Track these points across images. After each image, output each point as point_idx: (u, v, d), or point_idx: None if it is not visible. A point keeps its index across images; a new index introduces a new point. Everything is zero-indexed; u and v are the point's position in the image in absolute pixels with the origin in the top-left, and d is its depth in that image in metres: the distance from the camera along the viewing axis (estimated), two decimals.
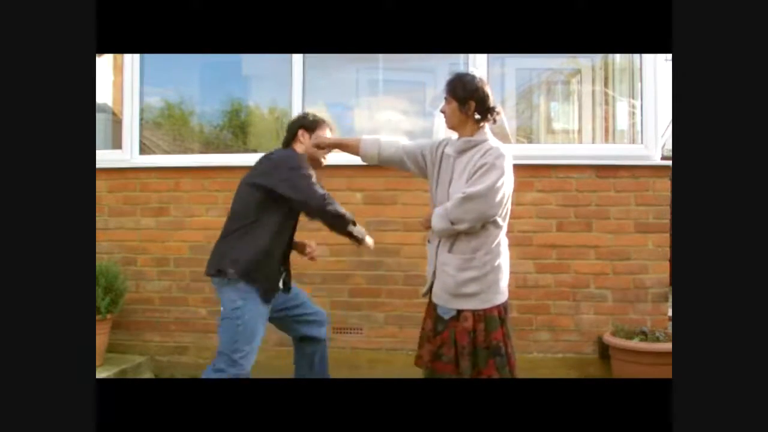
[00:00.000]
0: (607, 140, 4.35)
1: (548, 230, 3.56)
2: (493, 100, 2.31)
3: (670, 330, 3.38)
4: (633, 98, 3.88)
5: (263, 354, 3.66)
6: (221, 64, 4.30)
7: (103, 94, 4.51)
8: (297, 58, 3.72)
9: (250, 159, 3.92)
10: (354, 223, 2.54)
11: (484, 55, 3.62)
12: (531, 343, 3.55)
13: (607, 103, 4.27)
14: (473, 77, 2.33)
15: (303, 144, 2.67)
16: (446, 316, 2.25)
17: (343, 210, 2.50)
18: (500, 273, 2.28)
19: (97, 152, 3.52)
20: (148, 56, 3.97)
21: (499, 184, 2.20)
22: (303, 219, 2.63)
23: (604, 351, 3.42)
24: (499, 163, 2.21)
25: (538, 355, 3.55)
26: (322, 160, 2.70)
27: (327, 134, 2.69)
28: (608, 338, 3.32)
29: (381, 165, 2.55)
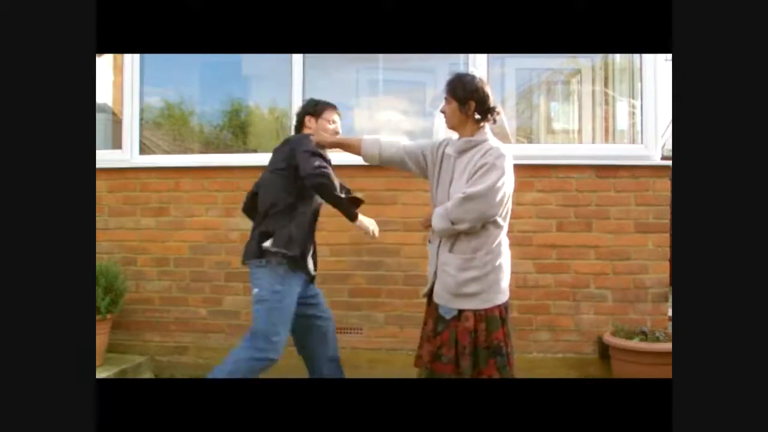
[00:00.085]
0: (607, 140, 4.35)
1: (548, 230, 3.56)
2: (493, 100, 2.32)
3: (670, 330, 3.37)
4: (633, 98, 3.88)
5: None
6: (221, 64, 4.30)
7: (103, 94, 4.51)
8: (297, 58, 3.72)
9: (250, 159, 3.98)
10: (350, 200, 2.60)
11: (484, 55, 3.61)
12: (531, 343, 3.55)
13: (607, 103, 4.27)
14: (473, 77, 2.33)
15: (311, 130, 2.74)
16: (448, 316, 2.26)
17: (335, 182, 2.54)
18: (501, 273, 2.28)
19: (97, 152, 3.52)
20: (148, 56, 3.97)
21: (499, 184, 2.20)
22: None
23: (604, 351, 3.42)
24: (499, 163, 2.21)
25: (538, 355, 3.55)
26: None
27: (335, 118, 2.81)
28: (608, 338, 3.32)
29: (382, 165, 2.55)
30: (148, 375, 3.78)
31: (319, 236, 2.93)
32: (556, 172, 3.57)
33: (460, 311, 2.24)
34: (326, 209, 2.74)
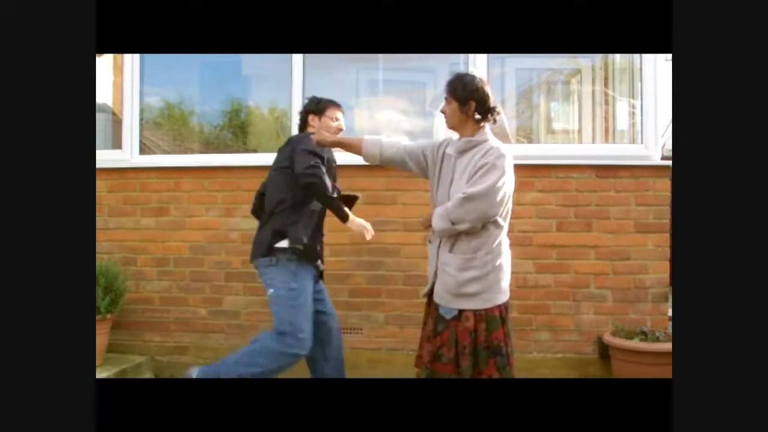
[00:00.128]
0: (607, 140, 4.35)
1: (548, 230, 3.56)
2: (493, 100, 2.32)
3: (670, 330, 3.37)
4: (633, 98, 3.88)
5: None
6: (221, 64, 4.30)
7: (103, 94, 4.51)
8: (297, 58, 3.72)
9: (250, 159, 3.98)
10: (344, 199, 2.64)
11: (484, 55, 3.61)
12: (531, 343, 3.55)
13: (607, 103, 4.27)
14: (473, 77, 2.33)
15: (314, 128, 2.76)
16: (448, 316, 2.26)
17: (326, 182, 2.56)
18: (501, 272, 2.28)
19: (97, 152, 3.52)
20: (148, 56, 3.97)
21: (499, 184, 2.20)
22: None
23: (604, 351, 3.42)
24: (499, 163, 2.21)
25: (538, 355, 3.55)
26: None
27: (338, 115, 2.83)
28: (608, 338, 3.32)
29: (383, 165, 2.55)
30: (148, 375, 3.78)
31: None
32: (556, 172, 3.57)
33: (460, 311, 2.24)
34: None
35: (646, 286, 3.51)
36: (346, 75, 4.23)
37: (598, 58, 4.22)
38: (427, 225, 2.37)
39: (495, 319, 2.24)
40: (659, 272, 3.51)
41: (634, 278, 3.52)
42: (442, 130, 3.44)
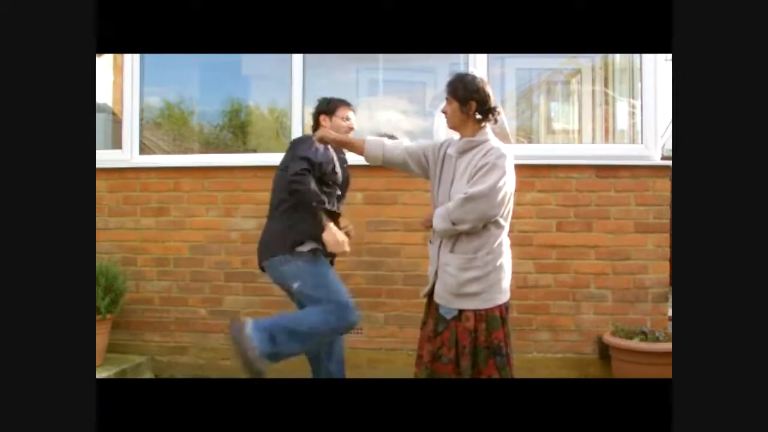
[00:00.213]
0: (607, 140, 4.35)
1: (548, 230, 3.56)
2: (494, 101, 2.32)
3: (670, 330, 3.37)
4: (633, 98, 3.88)
5: None
6: (221, 64, 4.29)
7: (103, 94, 4.51)
8: (297, 58, 3.72)
9: (250, 159, 3.98)
10: (325, 212, 2.62)
11: (484, 55, 3.61)
12: (531, 343, 3.55)
13: (607, 103, 4.27)
14: (474, 78, 2.33)
15: (326, 128, 2.76)
16: (448, 316, 2.26)
17: (310, 189, 2.57)
18: (502, 272, 2.28)
19: (97, 152, 3.52)
20: (148, 56, 3.97)
21: (500, 184, 2.20)
22: None
23: (604, 351, 3.42)
24: (500, 163, 2.21)
25: (537, 355, 3.55)
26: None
27: (349, 115, 2.85)
28: (608, 338, 3.32)
29: (384, 166, 2.55)
30: (148, 375, 3.78)
31: None
32: (556, 172, 3.57)
33: (461, 311, 2.24)
34: None
35: (646, 286, 3.51)
36: (346, 75, 4.23)
37: (598, 58, 4.22)
38: (428, 225, 2.37)
39: (495, 319, 2.24)
40: (659, 272, 3.51)
41: (634, 278, 3.52)
42: (442, 130, 3.44)
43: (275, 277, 2.76)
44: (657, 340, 3.20)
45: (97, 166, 3.29)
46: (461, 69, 3.52)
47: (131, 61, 3.93)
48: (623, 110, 4.19)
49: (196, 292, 3.81)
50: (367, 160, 2.52)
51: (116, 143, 4.07)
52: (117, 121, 4.19)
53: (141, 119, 4.04)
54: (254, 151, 4.44)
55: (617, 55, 4.11)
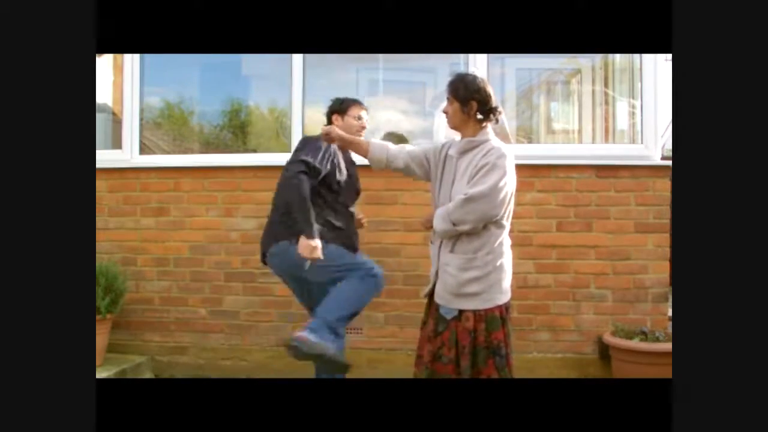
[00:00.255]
0: (607, 140, 4.35)
1: (548, 230, 3.56)
2: (495, 101, 2.32)
3: (670, 330, 3.37)
4: (633, 98, 3.88)
5: (263, 354, 3.68)
6: (221, 64, 4.29)
7: (103, 94, 4.51)
8: (297, 58, 3.72)
9: (250, 159, 3.98)
10: (308, 222, 2.56)
11: (484, 55, 3.61)
12: (531, 343, 3.55)
13: (607, 103, 4.27)
14: (475, 78, 2.33)
15: (339, 128, 2.74)
16: (448, 316, 2.26)
17: (299, 192, 2.53)
18: (502, 273, 2.28)
19: (97, 152, 3.52)
20: (148, 56, 3.97)
21: (501, 184, 2.20)
22: None
23: (604, 351, 3.42)
24: (501, 163, 2.21)
25: (537, 355, 3.55)
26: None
27: (362, 114, 2.84)
28: (608, 338, 3.32)
29: (387, 169, 2.54)
30: (148, 375, 3.78)
31: None
32: (556, 172, 3.57)
33: (461, 311, 2.24)
34: None
35: (646, 286, 3.51)
36: (346, 75, 4.23)
37: (598, 58, 4.22)
38: (428, 225, 2.37)
39: (495, 319, 2.24)
40: (659, 272, 3.51)
41: (634, 278, 3.52)
42: (442, 130, 3.44)
43: (280, 265, 2.72)
44: (657, 340, 3.20)
45: (97, 166, 3.28)
46: (461, 69, 3.51)
47: (131, 61, 3.93)
48: (623, 110, 4.19)
49: (196, 292, 3.81)
50: (370, 163, 2.52)
51: (116, 143, 4.07)
52: (117, 121, 4.19)
53: (141, 119, 4.04)
54: (254, 151, 4.44)
55: (617, 55, 4.11)
